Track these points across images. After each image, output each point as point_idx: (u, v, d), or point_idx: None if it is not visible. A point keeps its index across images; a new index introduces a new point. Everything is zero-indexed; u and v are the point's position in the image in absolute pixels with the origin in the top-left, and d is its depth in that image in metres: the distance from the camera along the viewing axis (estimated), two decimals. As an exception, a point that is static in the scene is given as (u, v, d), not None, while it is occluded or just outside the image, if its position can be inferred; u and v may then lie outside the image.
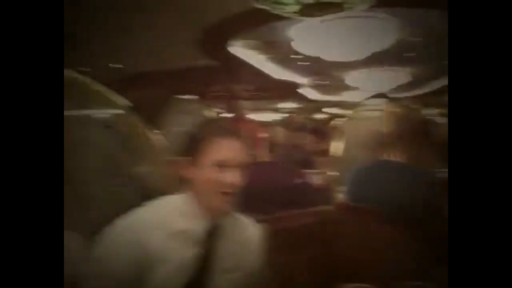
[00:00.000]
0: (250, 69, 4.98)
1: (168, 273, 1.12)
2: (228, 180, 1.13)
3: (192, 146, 1.17)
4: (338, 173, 2.78)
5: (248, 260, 1.26)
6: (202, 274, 1.17)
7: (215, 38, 3.98)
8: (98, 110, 1.61)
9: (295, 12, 2.21)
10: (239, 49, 4.48)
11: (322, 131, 3.23)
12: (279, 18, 2.80)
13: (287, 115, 7.21)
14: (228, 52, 4.33)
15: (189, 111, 3.32)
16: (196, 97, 3.76)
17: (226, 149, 1.14)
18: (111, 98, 1.63)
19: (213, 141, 1.14)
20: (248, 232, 1.30)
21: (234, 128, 1.21)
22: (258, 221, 1.36)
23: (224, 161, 1.14)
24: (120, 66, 3.96)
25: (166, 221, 1.15)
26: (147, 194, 1.57)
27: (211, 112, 3.29)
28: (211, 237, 1.19)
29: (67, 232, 1.20)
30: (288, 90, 6.73)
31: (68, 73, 1.55)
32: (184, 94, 3.72)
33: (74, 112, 1.56)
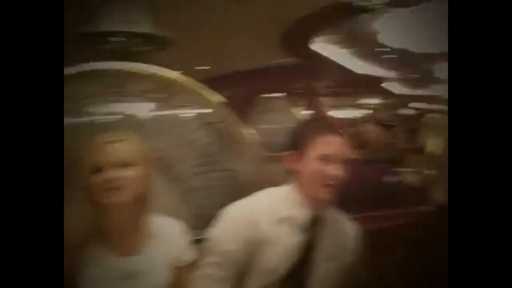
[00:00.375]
0: (332, 65, 4.89)
1: (275, 255, 1.24)
2: (331, 173, 1.23)
3: (298, 142, 1.29)
4: (434, 172, 2.62)
5: (345, 253, 1.35)
6: (305, 260, 1.27)
7: (297, 35, 3.98)
8: (194, 108, 1.68)
9: (386, 3, 2.11)
10: (321, 45, 4.42)
11: (413, 128, 3.07)
12: (364, 10, 2.71)
13: (370, 111, 6.97)
14: (310, 49, 4.30)
15: (276, 109, 3.34)
16: (282, 94, 3.78)
17: (330, 144, 1.24)
18: (207, 95, 1.69)
19: (318, 137, 1.25)
20: (347, 227, 1.39)
21: (338, 125, 1.32)
22: (351, 219, 1.42)
23: (328, 155, 1.23)
24: (207, 67, 4.11)
25: (274, 208, 1.28)
26: (241, 188, 1.61)
27: (298, 110, 3.28)
28: (314, 226, 1.29)
29: (172, 219, 1.33)
30: (371, 85, 6.51)
31: (170, 73, 1.64)
32: (269, 92, 3.76)
33: (174, 111, 1.65)
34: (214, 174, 1.69)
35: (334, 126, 1.30)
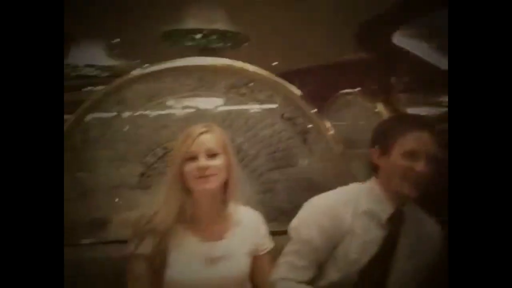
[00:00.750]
0: (412, 60, 4.67)
1: (355, 247, 1.27)
2: (416, 168, 1.22)
3: (384, 137, 1.31)
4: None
5: (425, 253, 1.33)
6: (385, 255, 1.28)
7: (375, 29, 3.85)
8: (273, 103, 1.71)
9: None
10: (401, 39, 4.24)
11: None
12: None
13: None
14: (389, 43, 4.14)
15: (352, 105, 3.27)
16: (358, 90, 3.69)
17: (417, 140, 1.24)
18: (286, 91, 1.71)
19: (405, 132, 1.26)
20: (428, 226, 1.37)
21: (424, 121, 1.30)
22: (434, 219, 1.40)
23: (414, 151, 1.23)
24: (282, 63, 4.13)
25: (356, 201, 1.31)
26: (317, 184, 1.61)
27: (374, 106, 3.18)
28: (395, 221, 1.29)
29: (252, 210, 1.39)
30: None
31: (253, 69, 1.67)
32: (345, 88, 3.69)
33: (254, 106, 1.69)
34: (291, 169, 1.71)
35: (422, 122, 1.29)
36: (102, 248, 1.48)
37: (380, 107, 3.41)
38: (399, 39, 4.29)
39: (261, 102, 1.71)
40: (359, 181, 1.38)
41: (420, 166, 1.23)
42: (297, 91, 1.72)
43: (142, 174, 1.64)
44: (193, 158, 1.25)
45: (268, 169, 1.72)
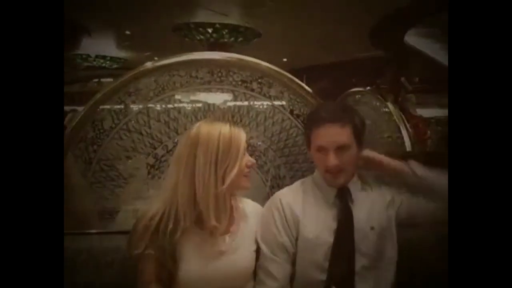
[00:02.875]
0: (425, 60, 4.64)
1: (310, 228, 1.33)
2: (327, 163, 1.30)
3: (304, 133, 1.44)
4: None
5: (382, 218, 1.37)
6: (345, 230, 1.32)
7: (388, 28, 3.82)
8: (283, 100, 1.72)
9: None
10: (413, 38, 4.22)
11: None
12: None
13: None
14: (402, 42, 4.12)
15: (361, 103, 3.26)
16: (367, 88, 3.67)
17: (323, 136, 1.30)
18: (296, 87, 1.71)
19: (313, 129, 1.33)
20: (382, 193, 1.42)
21: (333, 113, 1.33)
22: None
23: (322, 146, 1.31)
24: (293, 59, 4.14)
25: (304, 191, 1.40)
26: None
27: (383, 105, 3.17)
28: (342, 198, 1.36)
29: (258, 204, 1.41)
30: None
31: (264, 64, 1.69)
32: (356, 86, 3.68)
33: (264, 102, 1.70)
34: (299, 165, 1.72)
35: (325, 116, 1.33)
36: (110, 238, 1.50)
37: (389, 106, 3.40)
38: (412, 39, 4.27)
39: (271, 98, 1.72)
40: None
41: (329, 160, 1.29)
42: (307, 88, 1.72)
43: (152, 166, 1.65)
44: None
45: (276, 165, 1.73)
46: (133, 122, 1.65)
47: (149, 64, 1.66)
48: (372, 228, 1.33)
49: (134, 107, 1.66)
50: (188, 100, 1.72)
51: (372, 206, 1.36)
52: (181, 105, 1.70)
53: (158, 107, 1.67)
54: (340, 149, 1.30)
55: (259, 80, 1.69)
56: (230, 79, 1.68)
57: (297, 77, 1.73)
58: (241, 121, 1.69)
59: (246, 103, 1.71)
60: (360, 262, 1.30)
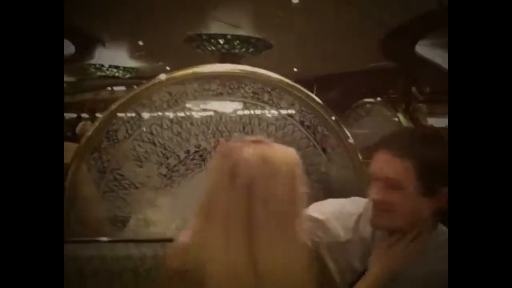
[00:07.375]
0: (436, 70, 4.63)
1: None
2: (371, 194, 1.08)
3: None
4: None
5: None
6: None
7: (401, 38, 3.82)
8: (293, 110, 1.73)
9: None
10: (425, 48, 4.21)
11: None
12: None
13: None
14: (413, 52, 4.12)
15: (372, 114, 3.26)
16: (378, 98, 3.68)
17: (376, 163, 1.08)
18: (307, 98, 1.73)
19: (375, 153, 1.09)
20: None
21: (390, 142, 1.11)
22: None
23: (371, 174, 1.09)
24: (304, 70, 4.16)
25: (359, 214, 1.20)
26: (335, 192, 1.62)
27: (394, 115, 3.17)
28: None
29: None
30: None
31: (274, 76, 1.70)
32: (366, 96, 3.69)
33: (274, 112, 1.71)
34: (309, 176, 1.72)
35: (389, 142, 1.10)
36: (121, 247, 1.52)
37: (400, 117, 3.40)
38: (422, 49, 4.27)
39: (282, 108, 1.73)
40: None
41: (373, 192, 1.07)
42: (318, 99, 1.74)
43: (164, 176, 1.68)
44: None
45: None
46: (146, 131, 1.68)
47: (163, 76, 1.70)
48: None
49: (147, 116, 1.69)
50: (200, 110, 1.76)
51: None
52: (193, 115, 1.73)
53: (171, 117, 1.71)
54: (390, 183, 1.04)
55: (270, 92, 1.72)
56: (242, 91, 1.71)
57: (307, 88, 1.74)
58: (252, 132, 1.71)
59: (257, 113, 1.73)
60: None
